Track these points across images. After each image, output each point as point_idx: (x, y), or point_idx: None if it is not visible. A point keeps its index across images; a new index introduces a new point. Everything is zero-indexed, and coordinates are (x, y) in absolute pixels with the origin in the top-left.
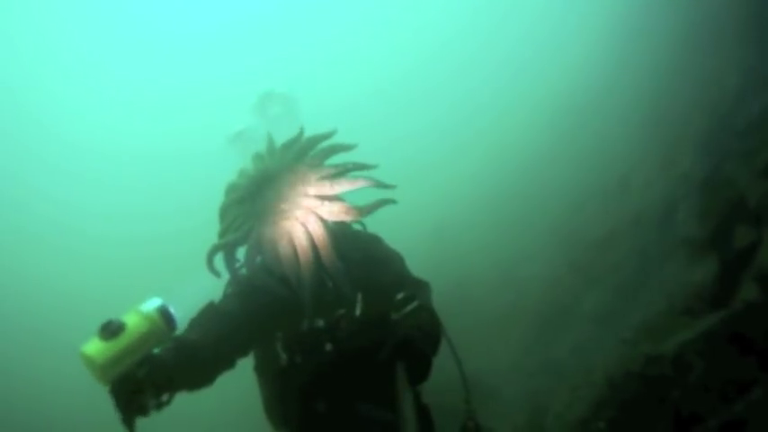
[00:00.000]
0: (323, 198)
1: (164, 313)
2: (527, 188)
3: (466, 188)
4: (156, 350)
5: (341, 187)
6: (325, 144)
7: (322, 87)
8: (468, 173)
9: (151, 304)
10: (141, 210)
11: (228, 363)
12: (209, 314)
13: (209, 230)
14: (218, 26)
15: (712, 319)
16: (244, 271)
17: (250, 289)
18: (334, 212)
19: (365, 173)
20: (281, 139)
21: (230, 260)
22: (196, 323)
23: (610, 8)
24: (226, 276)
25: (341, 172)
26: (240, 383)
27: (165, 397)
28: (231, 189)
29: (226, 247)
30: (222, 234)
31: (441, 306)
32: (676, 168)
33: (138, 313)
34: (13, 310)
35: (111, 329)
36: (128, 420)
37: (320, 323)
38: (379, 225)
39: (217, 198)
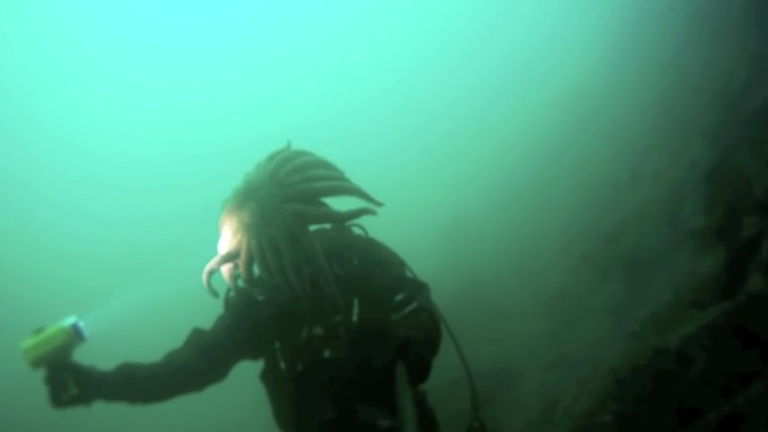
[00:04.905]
0: (305, 204)
1: (74, 327)
2: (539, 182)
3: (478, 184)
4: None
5: (322, 194)
6: (308, 158)
7: (333, 85)
8: (479, 169)
9: (69, 320)
10: (145, 214)
11: (188, 387)
12: (190, 343)
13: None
14: (222, 31)
15: (715, 311)
16: (240, 283)
17: (247, 304)
18: (316, 218)
19: (346, 183)
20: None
21: (232, 278)
22: (173, 351)
23: None
24: (221, 294)
25: (321, 179)
26: (248, 389)
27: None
28: (223, 205)
29: (221, 263)
30: (219, 250)
31: (458, 302)
32: (685, 158)
33: (58, 324)
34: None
35: (36, 329)
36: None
37: (318, 331)
38: (396, 224)
39: (218, 199)
